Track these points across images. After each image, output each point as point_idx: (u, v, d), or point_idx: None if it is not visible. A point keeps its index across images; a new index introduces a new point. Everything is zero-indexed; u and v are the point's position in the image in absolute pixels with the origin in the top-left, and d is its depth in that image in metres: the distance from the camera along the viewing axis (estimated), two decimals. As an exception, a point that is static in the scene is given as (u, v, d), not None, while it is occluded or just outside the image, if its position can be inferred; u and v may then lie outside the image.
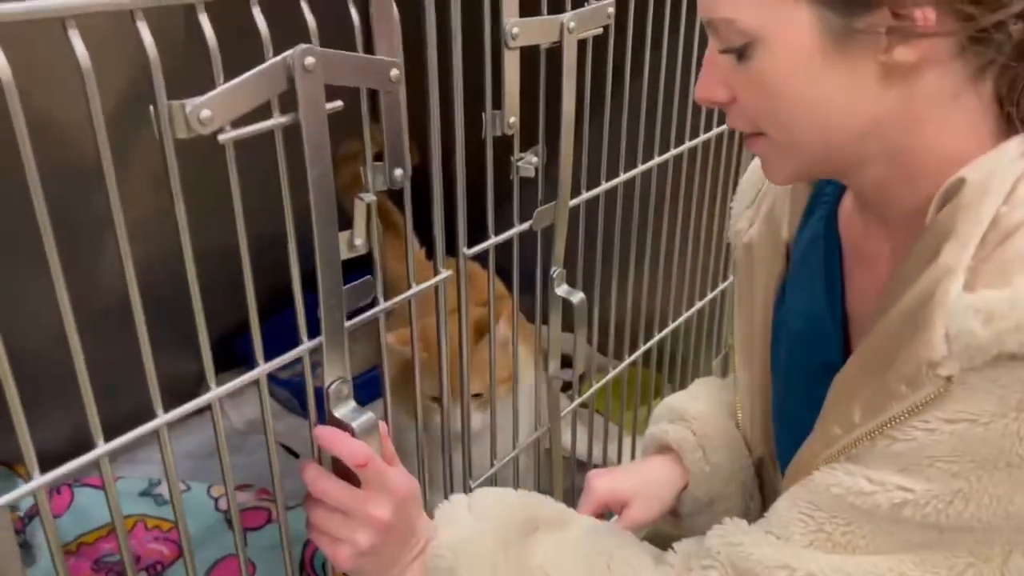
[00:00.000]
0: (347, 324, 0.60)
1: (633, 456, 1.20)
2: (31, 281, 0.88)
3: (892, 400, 0.52)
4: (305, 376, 0.60)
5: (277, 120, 0.49)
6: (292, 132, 0.51)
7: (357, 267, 0.60)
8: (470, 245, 0.72)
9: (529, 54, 0.69)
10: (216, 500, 1.20)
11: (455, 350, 0.74)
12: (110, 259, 1.03)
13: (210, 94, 0.44)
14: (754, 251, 0.76)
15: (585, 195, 0.88)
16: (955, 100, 0.53)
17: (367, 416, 0.59)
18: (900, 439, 0.51)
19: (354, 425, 0.58)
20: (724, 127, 1.15)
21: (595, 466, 1.24)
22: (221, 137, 0.46)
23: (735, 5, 0.52)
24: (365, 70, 0.53)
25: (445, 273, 0.69)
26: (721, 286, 1.31)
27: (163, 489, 1.20)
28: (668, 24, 0.96)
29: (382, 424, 0.60)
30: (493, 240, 0.75)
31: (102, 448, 0.48)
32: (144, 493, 1.19)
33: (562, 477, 0.99)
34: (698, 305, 1.26)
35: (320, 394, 0.60)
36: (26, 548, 1.10)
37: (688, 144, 1.07)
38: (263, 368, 0.56)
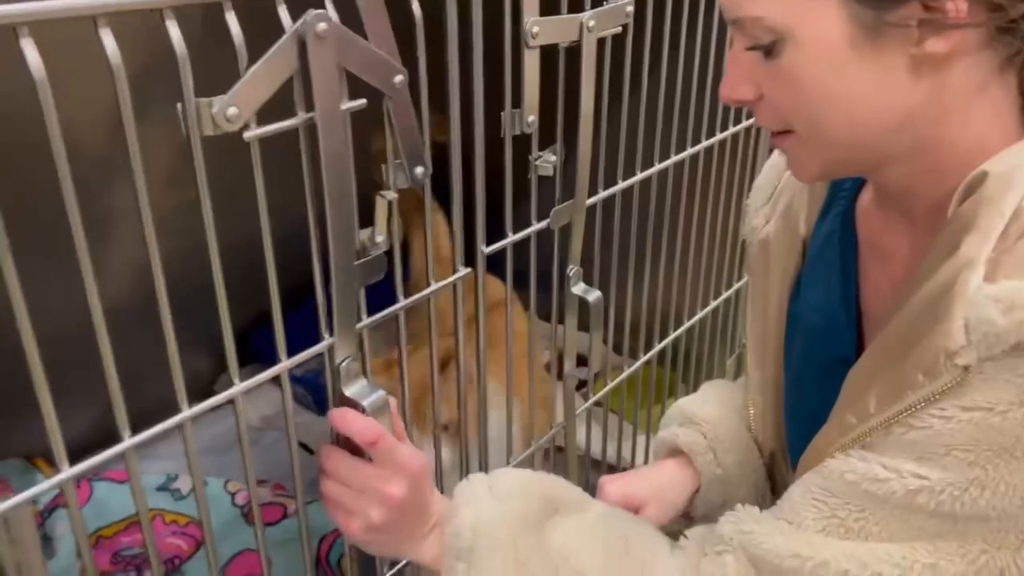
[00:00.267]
0: (366, 320, 0.60)
1: (647, 455, 1.20)
2: (47, 278, 0.89)
3: (909, 389, 0.52)
4: (326, 372, 0.60)
5: (301, 117, 0.50)
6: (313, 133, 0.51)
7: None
8: (487, 244, 0.72)
9: (548, 53, 0.69)
10: (233, 495, 1.21)
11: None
12: (125, 256, 1.05)
13: (234, 89, 0.45)
14: (770, 247, 0.76)
15: (602, 194, 0.88)
16: (982, 92, 0.53)
17: (378, 394, 0.59)
18: (916, 427, 0.52)
19: (365, 403, 0.58)
20: (741, 126, 1.15)
21: (610, 465, 1.24)
22: (247, 135, 0.47)
23: (763, 2, 0.52)
24: (372, 65, 0.53)
25: (463, 271, 0.69)
26: (736, 285, 1.31)
27: (180, 484, 1.22)
28: (686, 23, 0.96)
29: (393, 401, 0.61)
30: (511, 238, 0.75)
31: (128, 441, 0.48)
32: (162, 488, 1.20)
33: (576, 475, 1.00)
34: (713, 304, 1.26)
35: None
36: (46, 541, 1.11)
37: (705, 143, 1.07)
38: (285, 364, 0.57)
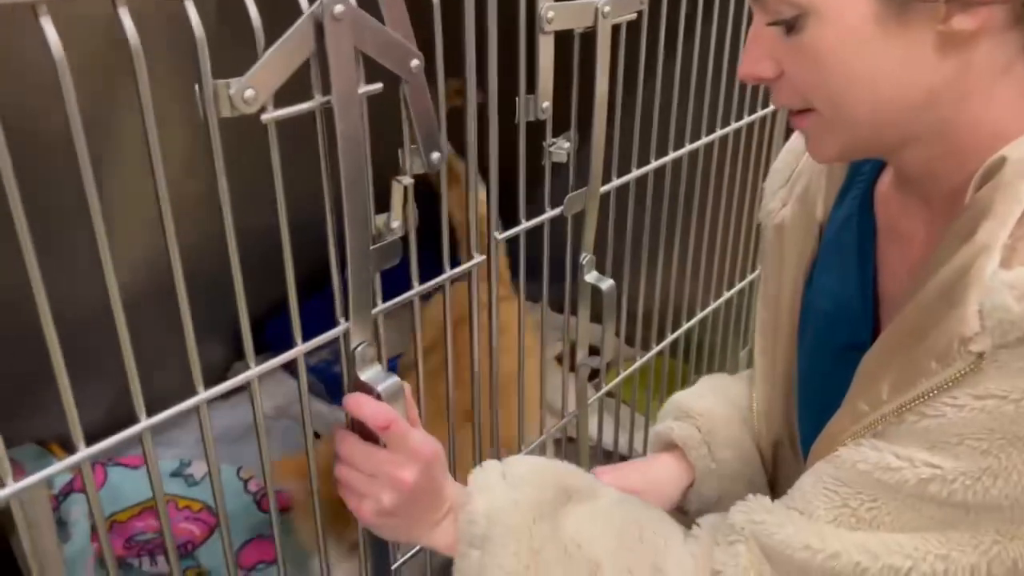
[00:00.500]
0: (381, 306, 0.60)
1: (659, 446, 1.20)
2: (62, 265, 0.90)
3: (922, 376, 0.51)
4: (341, 357, 0.60)
5: (318, 100, 0.50)
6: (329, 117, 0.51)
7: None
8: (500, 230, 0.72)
9: (563, 39, 0.69)
10: (246, 482, 1.21)
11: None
12: (136, 243, 1.05)
13: (251, 71, 0.45)
14: (786, 231, 0.76)
15: (616, 181, 0.88)
16: (1006, 73, 0.52)
17: (392, 380, 0.59)
18: (929, 415, 0.51)
19: (379, 388, 0.58)
20: (756, 115, 1.14)
21: (621, 456, 1.24)
22: (264, 117, 0.47)
23: None
24: (388, 48, 0.53)
25: (478, 258, 0.69)
26: (750, 277, 1.30)
27: (193, 470, 1.22)
28: (702, 10, 0.96)
29: (407, 387, 0.61)
30: (524, 225, 0.75)
31: (145, 423, 0.48)
32: (175, 474, 1.21)
33: (588, 466, 1.00)
34: (726, 295, 1.26)
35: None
36: (61, 525, 1.12)
37: (720, 132, 1.06)
38: (300, 348, 0.57)
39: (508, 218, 0.73)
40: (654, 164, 0.95)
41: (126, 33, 0.40)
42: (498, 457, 0.72)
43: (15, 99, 0.73)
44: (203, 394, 0.51)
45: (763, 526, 0.58)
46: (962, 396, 0.49)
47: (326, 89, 0.50)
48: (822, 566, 0.55)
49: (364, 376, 0.59)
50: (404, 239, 0.59)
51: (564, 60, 0.71)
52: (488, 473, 0.65)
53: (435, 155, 0.58)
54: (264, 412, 1.57)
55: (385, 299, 0.61)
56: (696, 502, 0.81)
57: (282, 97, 0.49)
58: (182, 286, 0.48)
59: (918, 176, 0.60)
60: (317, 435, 1.42)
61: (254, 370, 0.54)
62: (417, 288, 0.64)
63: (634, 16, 0.77)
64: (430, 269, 0.66)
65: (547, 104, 0.69)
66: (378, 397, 0.59)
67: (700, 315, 1.19)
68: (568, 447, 1.03)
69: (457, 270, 0.67)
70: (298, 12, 0.47)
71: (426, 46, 0.56)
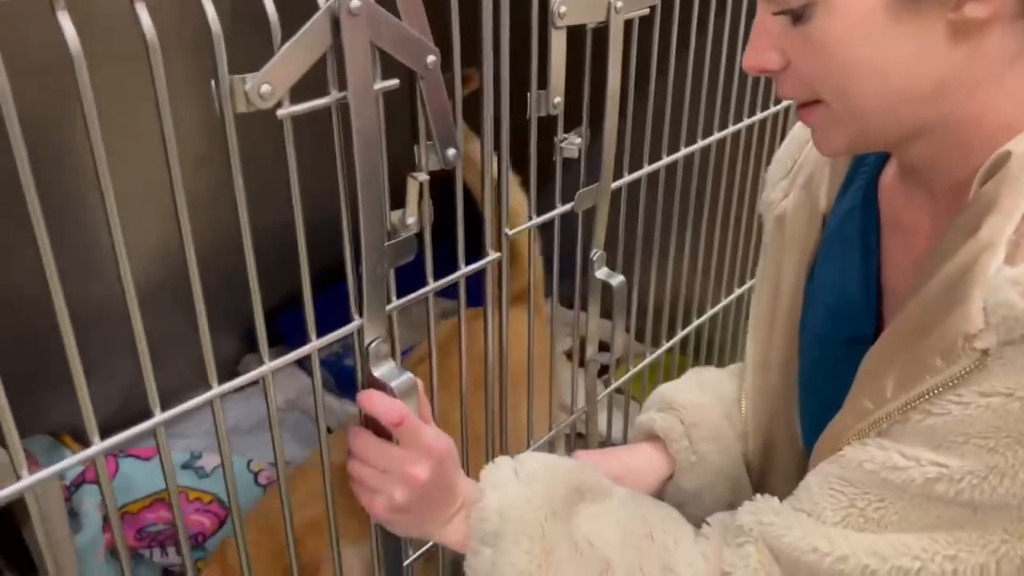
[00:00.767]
0: (396, 302, 0.60)
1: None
2: (77, 258, 0.90)
3: (926, 374, 0.51)
4: (355, 353, 0.60)
5: (334, 96, 0.50)
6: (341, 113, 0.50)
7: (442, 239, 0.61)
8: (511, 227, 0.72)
9: (574, 34, 0.69)
10: (256, 475, 1.22)
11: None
12: (149, 237, 1.06)
13: (267, 66, 0.45)
14: (787, 222, 0.75)
15: (627, 177, 0.87)
16: (1014, 63, 0.52)
17: (406, 376, 0.59)
18: (934, 414, 0.51)
19: (392, 385, 0.58)
20: (768, 112, 1.13)
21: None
22: (280, 112, 0.47)
23: None
24: (405, 43, 0.52)
25: (493, 255, 0.69)
26: (760, 274, 1.30)
27: (204, 462, 1.23)
28: (715, 6, 0.95)
29: (420, 383, 0.61)
30: (534, 221, 0.75)
31: (159, 416, 0.49)
32: (186, 466, 1.22)
33: (597, 461, 1.00)
34: (737, 292, 1.25)
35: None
36: (72, 516, 1.13)
37: (732, 128, 1.06)
38: (315, 344, 0.57)
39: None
40: (665, 160, 0.94)
41: (143, 27, 0.41)
42: (507, 453, 0.72)
43: (30, 93, 0.74)
44: (217, 389, 0.52)
45: (771, 528, 0.58)
46: (967, 394, 0.49)
47: (342, 85, 0.50)
48: (830, 569, 0.54)
49: (378, 372, 0.59)
50: (419, 235, 0.59)
51: (576, 55, 0.70)
52: (500, 470, 0.64)
53: (451, 151, 0.58)
54: (277, 406, 1.57)
55: (399, 295, 0.61)
56: (675, 494, 0.81)
57: (296, 93, 0.49)
58: (197, 282, 0.48)
59: (923, 168, 0.59)
60: (328, 429, 1.43)
61: (268, 365, 0.55)
62: (432, 285, 0.64)
63: (647, 11, 0.76)
64: (445, 265, 0.66)
65: (559, 100, 0.69)
66: (391, 393, 0.59)
67: (710, 312, 1.19)
68: (577, 443, 1.03)
69: (473, 266, 0.67)
70: (314, 7, 0.47)
71: (440, 42, 0.56)
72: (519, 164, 0.71)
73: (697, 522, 0.67)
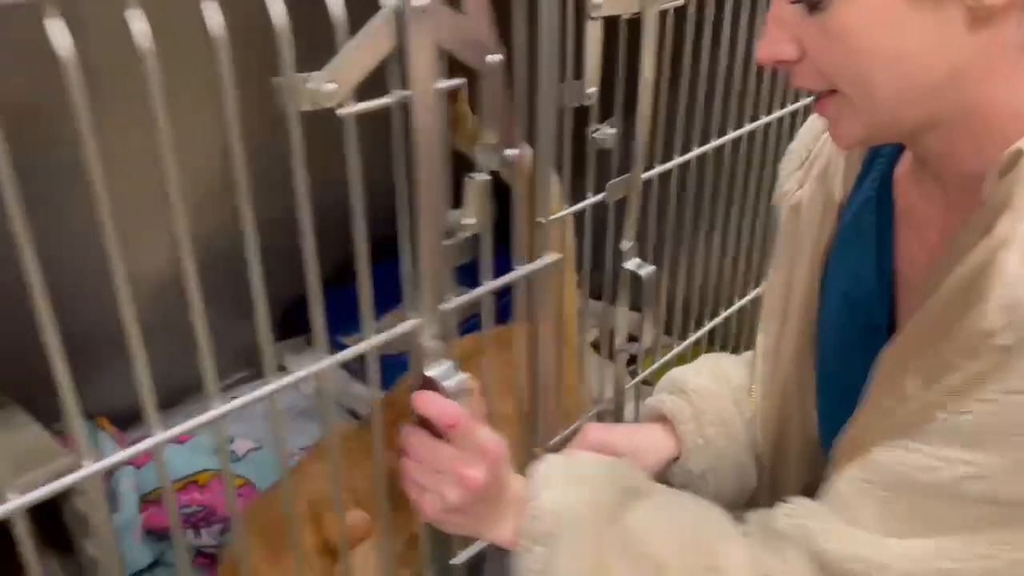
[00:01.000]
0: (452, 302, 0.60)
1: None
2: (128, 245, 0.92)
3: (947, 372, 0.51)
4: (410, 353, 0.60)
5: (396, 95, 0.49)
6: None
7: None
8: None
9: (608, 24, 0.69)
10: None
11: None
12: (212, 225, 1.08)
13: (330, 64, 0.44)
14: (802, 213, 0.75)
15: (658, 168, 0.88)
16: None
17: (460, 377, 0.59)
18: (959, 412, 0.51)
19: (446, 384, 0.58)
20: (800, 104, 1.13)
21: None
22: (341, 111, 0.47)
23: None
24: (468, 42, 0.52)
25: (554, 256, 0.67)
26: (789, 267, 1.29)
27: (236, 446, 1.26)
28: (748, -4, 0.95)
29: (475, 384, 0.60)
30: (568, 210, 0.75)
31: (218, 409, 0.50)
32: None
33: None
34: (764, 285, 1.25)
35: (386, 363, 0.60)
36: (111, 497, 1.16)
37: (763, 120, 1.05)
38: (371, 341, 0.57)
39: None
40: (697, 151, 0.94)
41: (208, 24, 0.41)
42: (540, 442, 0.72)
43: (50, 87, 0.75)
44: (277, 382, 0.52)
45: (811, 534, 0.58)
46: (991, 391, 0.49)
47: (404, 83, 0.49)
48: None
49: (432, 372, 0.59)
50: (476, 236, 0.59)
51: (609, 46, 0.71)
52: (552, 468, 0.64)
53: (511, 152, 0.58)
54: (307, 392, 1.60)
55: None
56: (681, 476, 0.81)
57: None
58: (259, 280, 0.48)
59: (936, 160, 0.59)
60: (356, 415, 1.45)
61: (327, 360, 0.55)
62: (488, 285, 0.63)
63: (681, 2, 0.76)
64: (500, 265, 0.66)
65: (593, 90, 0.69)
66: (444, 394, 0.59)
67: (739, 303, 1.19)
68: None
69: (530, 267, 0.66)
70: (374, 5, 0.47)
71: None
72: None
73: None
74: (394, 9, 0.47)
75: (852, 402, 0.61)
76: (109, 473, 1.18)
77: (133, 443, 0.49)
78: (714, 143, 0.97)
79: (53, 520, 0.91)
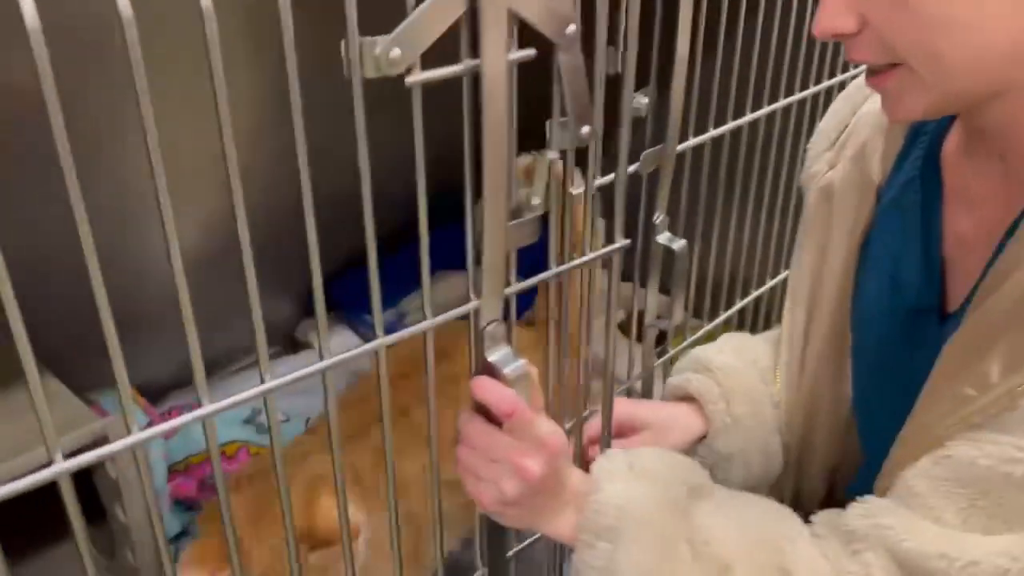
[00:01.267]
0: (516, 285, 0.57)
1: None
2: (145, 227, 0.92)
3: None
4: (470, 336, 0.57)
5: (466, 64, 0.47)
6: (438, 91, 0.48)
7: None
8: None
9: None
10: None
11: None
12: (217, 207, 1.08)
13: (398, 30, 0.42)
14: (835, 195, 0.73)
15: (692, 140, 0.86)
16: None
17: (520, 363, 0.56)
18: None
19: (506, 371, 0.56)
20: (836, 79, 1.10)
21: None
22: (408, 80, 0.45)
23: None
24: (545, 10, 0.49)
25: (623, 241, 0.64)
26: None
27: (263, 418, 1.26)
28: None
29: (534, 371, 0.58)
30: (599, 180, 0.74)
31: (265, 386, 0.50)
32: (248, 421, 1.25)
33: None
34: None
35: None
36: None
37: (799, 95, 1.03)
38: (432, 321, 0.54)
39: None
40: (731, 124, 0.93)
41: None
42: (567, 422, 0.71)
43: (86, 56, 0.75)
44: (328, 360, 0.52)
45: (891, 532, 0.56)
46: None
47: (474, 52, 0.46)
48: (961, 574, 0.52)
49: (492, 357, 0.56)
50: (543, 217, 0.57)
51: (645, 12, 0.69)
52: (614, 462, 0.62)
53: (585, 129, 0.55)
54: (327, 366, 1.59)
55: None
56: (708, 455, 0.80)
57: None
58: (316, 260, 0.47)
59: (997, 132, 0.56)
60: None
61: (380, 340, 0.53)
62: (555, 268, 0.61)
63: (719, -31, 0.75)
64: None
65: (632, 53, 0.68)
66: (503, 380, 0.56)
67: (770, 283, 1.17)
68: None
69: (596, 253, 0.64)
70: None
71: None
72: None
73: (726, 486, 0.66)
74: None
75: (895, 387, 0.59)
76: (139, 442, 1.19)
77: (163, 416, 0.49)
78: (749, 116, 0.95)
79: (78, 490, 0.93)
